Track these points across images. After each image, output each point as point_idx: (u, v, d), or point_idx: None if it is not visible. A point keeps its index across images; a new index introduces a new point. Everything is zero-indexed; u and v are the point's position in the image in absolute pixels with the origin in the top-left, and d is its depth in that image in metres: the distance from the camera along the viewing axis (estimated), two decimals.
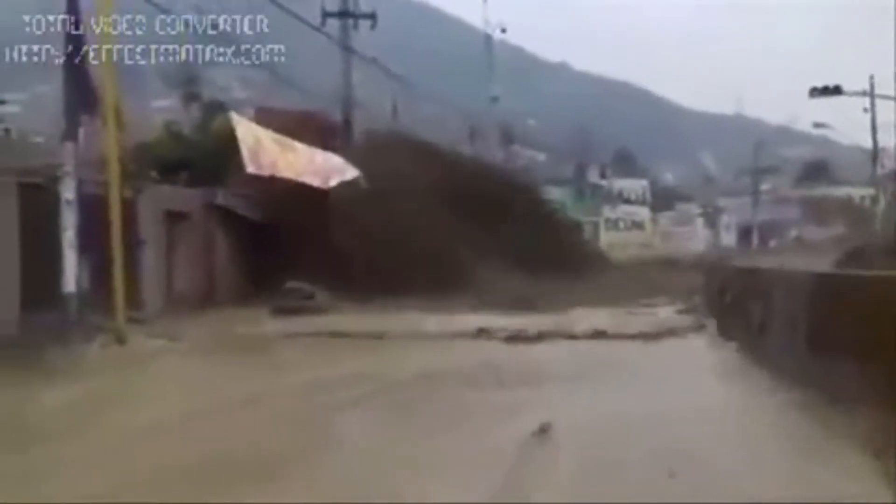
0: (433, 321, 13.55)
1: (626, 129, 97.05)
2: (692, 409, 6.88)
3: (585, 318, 13.76)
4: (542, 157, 53.24)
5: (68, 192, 12.22)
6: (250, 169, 16.27)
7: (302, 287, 16.54)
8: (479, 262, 18.50)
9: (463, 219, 19.26)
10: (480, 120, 35.05)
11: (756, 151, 62.39)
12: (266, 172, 16.69)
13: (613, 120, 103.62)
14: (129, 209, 13.79)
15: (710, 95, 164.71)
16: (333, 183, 18.00)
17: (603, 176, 65.45)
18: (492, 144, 32.67)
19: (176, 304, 15.30)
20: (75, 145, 12.48)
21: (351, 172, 18.36)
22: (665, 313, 14.82)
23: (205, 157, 18.49)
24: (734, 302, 11.28)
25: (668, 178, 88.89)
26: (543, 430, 6.03)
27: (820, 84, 31.82)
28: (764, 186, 67.60)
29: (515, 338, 11.81)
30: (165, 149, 19.08)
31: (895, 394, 5.30)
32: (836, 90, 31.61)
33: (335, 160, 18.74)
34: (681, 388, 8.07)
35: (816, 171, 68.22)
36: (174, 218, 16.42)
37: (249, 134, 16.69)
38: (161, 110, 38.78)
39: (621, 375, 9.00)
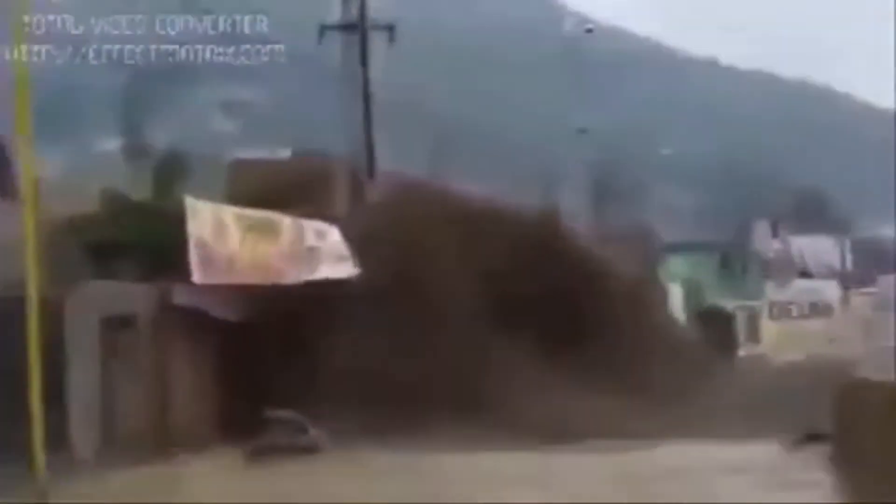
0: None
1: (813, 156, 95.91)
2: None
3: None
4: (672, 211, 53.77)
5: None
6: (196, 278, 18.21)
7: (290, 418, 18.29)
8: (524, 378, 20.10)
9: (509, 315, 20.97)
10: (562, 161, 35.85)
11: None
12: (218, 280, 18.72)
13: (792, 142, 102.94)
14: (52, 315, 15.76)
15: None
16: (320, 277, 20.05)
17: (775, 234, 63.98)
18: (580, 197, 33.61)
19: (117, 448, 17.17)
20: None
21: (346, 268, 20.45)
22: None
23: (158, 238, 19.98)
24: None
25: (887, 232, 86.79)
26: None
27: None
28: None
29: None
30: (103, 227, 20.76)
31: None
32: None
33: (333, 242, 20.75)
34: None
35: None
36: (115, 325, 18.40)
37: (206, 224, 18.77)
38: (105, 158, 40.97)
39: None
